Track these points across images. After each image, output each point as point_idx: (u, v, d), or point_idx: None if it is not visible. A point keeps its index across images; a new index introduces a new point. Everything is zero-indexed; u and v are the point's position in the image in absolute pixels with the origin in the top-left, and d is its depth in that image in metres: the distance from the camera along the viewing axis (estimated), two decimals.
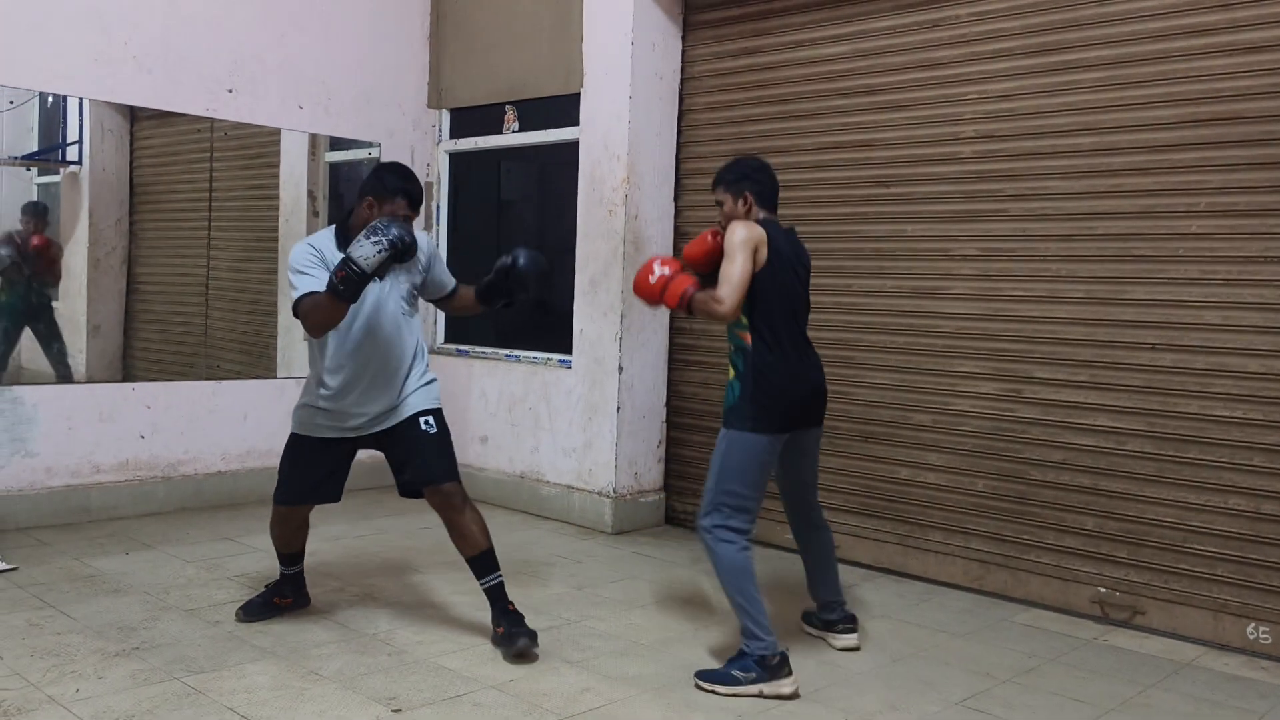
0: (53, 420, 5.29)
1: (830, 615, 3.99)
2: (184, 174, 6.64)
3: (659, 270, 3.64)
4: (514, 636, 3.67)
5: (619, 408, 5.67)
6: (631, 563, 5.10)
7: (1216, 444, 4.13)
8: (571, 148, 5.99)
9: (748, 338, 3.56)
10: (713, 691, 3.42)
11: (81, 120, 5.97)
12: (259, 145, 6.67)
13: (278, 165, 6.76)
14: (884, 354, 5.05)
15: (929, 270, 4.90)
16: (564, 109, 6.08)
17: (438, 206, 6.86)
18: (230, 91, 5.94)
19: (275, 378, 6.30)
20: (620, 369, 5.67)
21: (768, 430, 3.54)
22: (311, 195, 6.72)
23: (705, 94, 5.79)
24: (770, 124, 5.47)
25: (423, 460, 3.75)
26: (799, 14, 5.34)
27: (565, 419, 5.95)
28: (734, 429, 3.55)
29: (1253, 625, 4.06)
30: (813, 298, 5.61)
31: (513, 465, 6.26)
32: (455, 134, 6.84)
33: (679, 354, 5.91)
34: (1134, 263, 4.33)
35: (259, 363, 6.56)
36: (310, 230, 6.77)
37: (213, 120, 6.01)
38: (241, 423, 5.97)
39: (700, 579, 4.82)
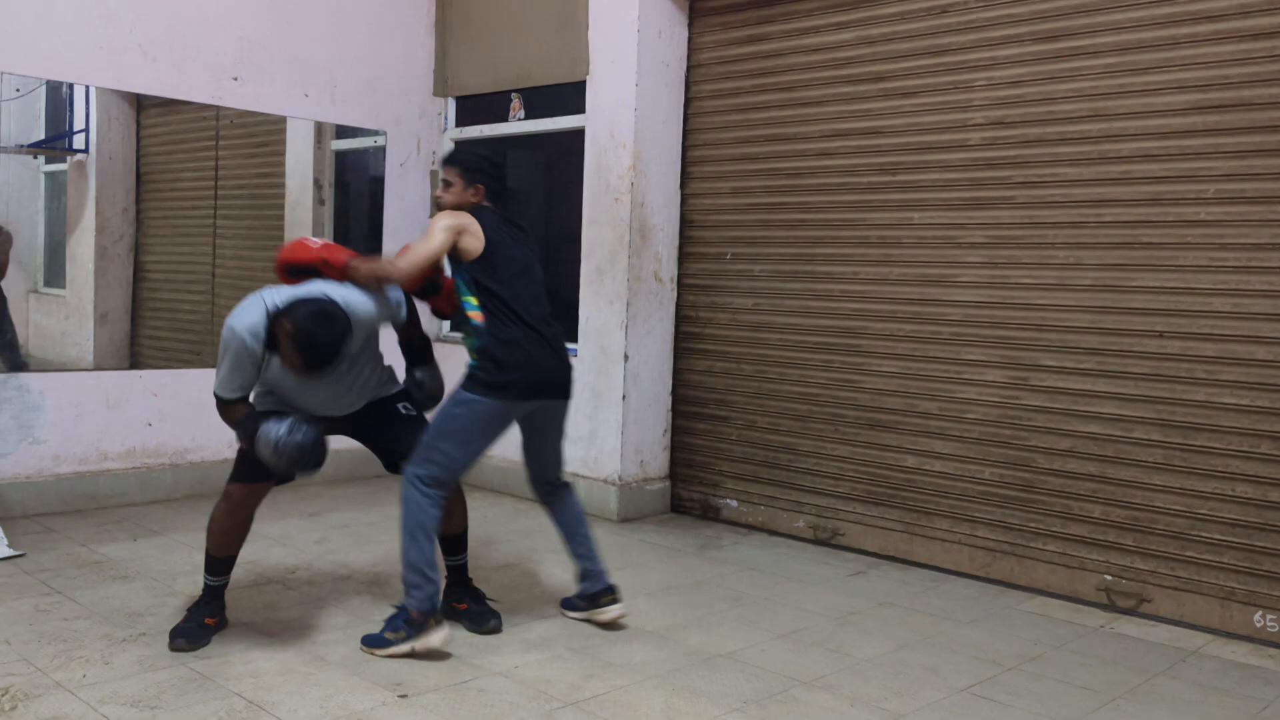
0: (60, 408, 5.31)
1: (592, 587, 3.98)
2: (190, 162, 6.64)
3: (318, 241, 3.72)
4: (484, 615, 3.86)
5: (624, 396, 5.66)
6: (637, 550, 5.10)
7: (1224, 431, 4.12)
8: (577, 135, 5.97)
9: (479, 317, 3.66)
10: (371, 654, 3.53)
11: (88, 108, 5.98)
12: (265, 133, 6.67)
13: (283, 153, 6.76)
14: (890, 342, 5.04)
15: (936, 258, 4.89)
16: (570, 97, 6.07)
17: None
18: (236, 79, 5.93)
19: None
20: (626, 357, 5.66)
21: (498, 397, 3.64)
22: (317, 183, 6.72)
23: (711, 81, 5.77)
24: (776, 111, 5.45)
25: (408, 435, 3.77)
26: (806, 0, 5.32)
27: (570, 407, 5.93)
28: (461, 388, 3.68)
29: (1260, 613, 4.05)
30: (819, 286, 5.61)
31: (519, 453, 6.25)
32: (461, 122, 6.83)
33: (685, 342, 5.90)
34: (1142, 250, 4.31)
35: None
36: (315, 220, 6.77)
37: (218, 108, 6.01)
38: None
39: (704, 565, 4.83)
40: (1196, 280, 4.18)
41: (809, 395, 5.35)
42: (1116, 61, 4.35)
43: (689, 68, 5.85)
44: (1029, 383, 4.60)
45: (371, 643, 3.58)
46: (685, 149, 5.87)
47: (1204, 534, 4.17)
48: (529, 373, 3.67)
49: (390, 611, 3.72)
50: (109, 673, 3.30)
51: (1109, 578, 4.40)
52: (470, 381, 3.66)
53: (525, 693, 3.30)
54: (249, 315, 3.37)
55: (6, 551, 4.47)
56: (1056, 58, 4.50)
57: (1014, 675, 3.62)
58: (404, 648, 3.51)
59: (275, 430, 3.31)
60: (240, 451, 3.59)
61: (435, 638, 3.51)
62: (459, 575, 3.96)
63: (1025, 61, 4.59)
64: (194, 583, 4.24)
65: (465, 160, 3.83)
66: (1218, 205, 4.13)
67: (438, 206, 3.86)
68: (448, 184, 3.81)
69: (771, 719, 3.18)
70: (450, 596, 3.91)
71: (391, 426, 3.80)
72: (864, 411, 5.14)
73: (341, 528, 5.23)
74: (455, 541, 3.94)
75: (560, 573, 4.63)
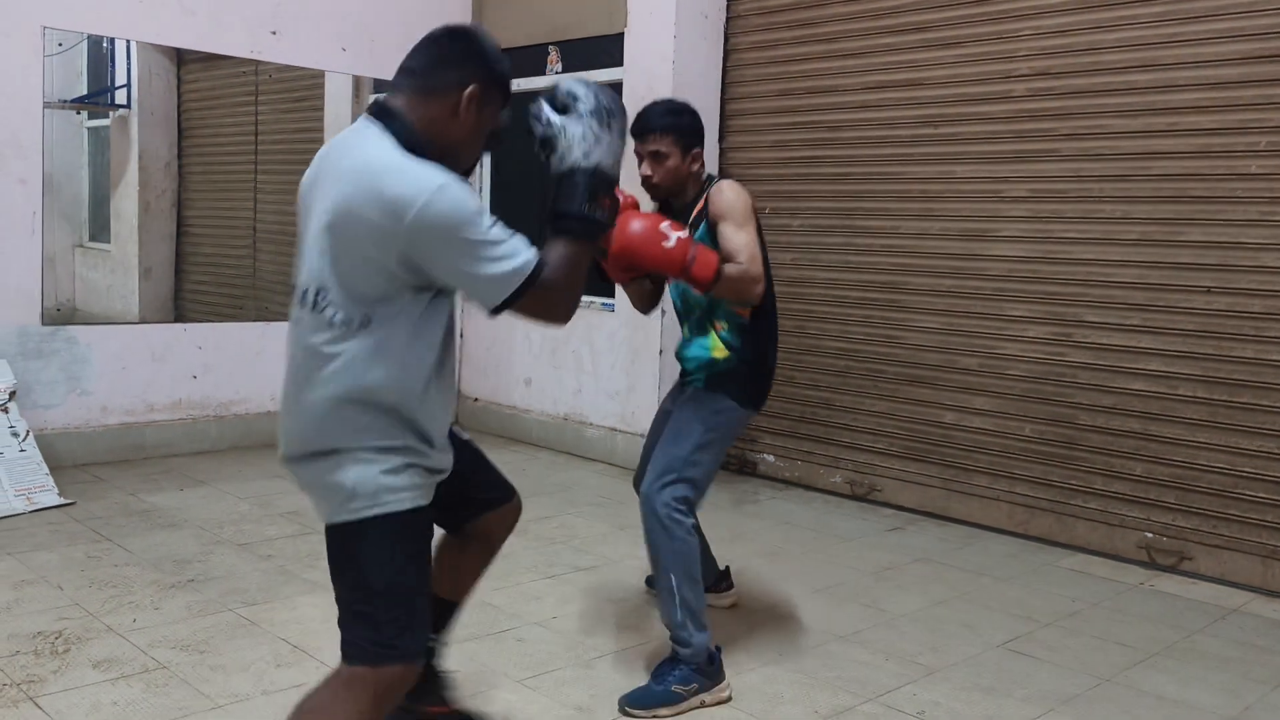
0: (107, 360, 5.40)
1: (708, 575, 3.51)
2: (230, 117, 6.68)
3: (672, 233, 2.72)
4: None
5: (661, 351, 5.67)
6: None
7: (1271, 388, 4.05)
8: (615, 89, 5.93)
9: (746, 314, 3.07)
10: (652, 716, 2.88)
11: (130, 63, 6.01)
12: (303, 88, 6.68)
13: (322, 108, 6.78)
14: (931, 297, 4.99)
15: (978, 212, 4.82)
16: (607, 50, 6.01)
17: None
18: (274, 33, 5.93)
19: None
20: (663, 312, 5.66)
21: (753, 406, 3.14)
22: None
23: (750, 33, 5.69)
24: (816, 63, 5.38)
25: (490, 471, 2.56)
26: None
27: (608, 362, 5.96)
28: (720, 391, 3.06)
29: None
30: (859, 240, 5.53)
31: (556, 407, 6.30)
32: None
33: None
34: (1190, 204, 4.23)
35: None
36: None
37: (257, 63, 6.02)
38: None
39: (740, 520, 4.85)
40: (1245, 235, 4.09)
41: (848, 350, 5.32)
42: (1166, 10, 4.24)
43: (728, 19, 5.77)
44: (1072, 339, 4.55)
45: (655, 700, 2.89)
46: (724, 102, 5.81)
47: (1247, 492, 4.12)
48: (772, 381, 3.19)
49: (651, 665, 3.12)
50: (158, 617, 3.38)
51: (1150, 535, 4.37)
52: (731, 385, 3.06)
53: (562, 642, 3.34)
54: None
55: (57, 500, 4.58)
56: (1104, 6, 4.39)
57: (1050, 631, 3.62)
58: (696, 701, 2.92)
59: (598, 126, 1.99)
60: (397, 598, 1.98)
61: (726, 689, 3.00)
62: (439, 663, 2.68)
63: (1072, 10, 4.48)
64: (240, 531, 4.34)
65: (676, 123, 3.00)
66: (1269, 158, 4.03)
67: (650, 188, 3.07)
68: (659, 157, 3.00)
69: (807, 672, 3.21)
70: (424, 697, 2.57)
71: (477, 459, 2.52)
72: (903, 367, 5.11)
73: None
74: (455, 610, 2.66)
75: (598, 524, 4.66)
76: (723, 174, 5.83)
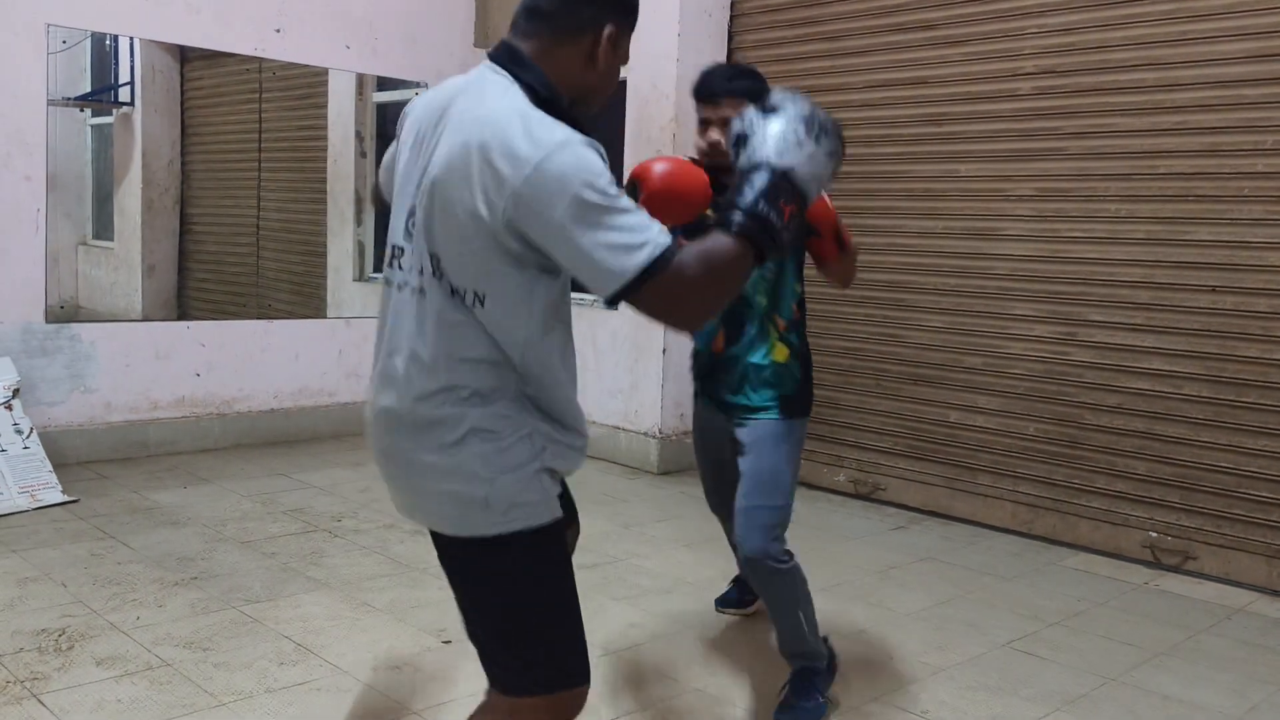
0: (110, 357, 5.40)
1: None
2: (233, 115, 6.67)
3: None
4: None
5: (665, 349, 5.66)
6: (677, 502, 5.13)
7: (1277, 388, 4.04)
8: (619, 87, 5.92)
9: (798, 314, 2.92)
10: None
11: (133, 61, 6.01)
12: (307, 85, 6.68)
13: (325, 105, 6.78)
14: (936, 296, 4.99)
15: (983, 210, 4.81)
16: None
17: None
18: (278, 31, 5.93)
19: (325, 318, 6.36)
20: None
21: (808, 418, 2.99)
22: (359, 136, 6.73)
23: (754, 31, 5.68)
24: (820, 61, 5.37)
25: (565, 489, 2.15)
26: None
27: (611, 360, 5.96)
28: (797, 417, 2.90)
29: None
30: (863, 239, 5.51)
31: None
32: None
33: None
34: (1197, 202, 4.22)
35: (309, 303, 6.63)
36: (358, 172, 6.78)
37: (261, 60, 6.02)
38: (293, 362, 6.05)
39: None
40: (1252, 234, 4.08)
41: (852, 349, 5.31)
42: (1173, 8, 4.23)
43: (732, 17, 5.76)
44: (1077, 338, 4.54)
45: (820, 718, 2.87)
46: None
47: (1252, 491, 4.11)
48: None
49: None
50: (162, 615, 3.38)
51: (1154, 534, 4.36)
52: (799, 401, 2.88)
53: None
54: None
55: (61, 497, 4.58)
56: (1111, 4, 4.38)
57: (1056, 630, 3.61)
58: (833, 694, 2.97)
59: (809, 138, 1.76)
60: (549, 626, 1.84)
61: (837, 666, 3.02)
62: None
63: (1079, 8, 4.47)
64: (243, 529, 4.33)
65: (756, 88, 2.67)
66: (1276, 157, 4.02)
67: (721, 154, 2.65)
68: (726, 123, 2.65)
69: None
70: None
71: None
72: (907, 366, 5.10)
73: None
74: None
75: (601, 522, 4.66)
76: None
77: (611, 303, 1.63)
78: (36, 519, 4.34)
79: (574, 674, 1.83)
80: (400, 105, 7.93)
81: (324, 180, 6.79)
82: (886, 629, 3.56)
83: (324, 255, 6.78)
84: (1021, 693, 3.11)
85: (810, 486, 5.47)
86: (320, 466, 5.41)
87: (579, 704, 1.84)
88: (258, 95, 6.48)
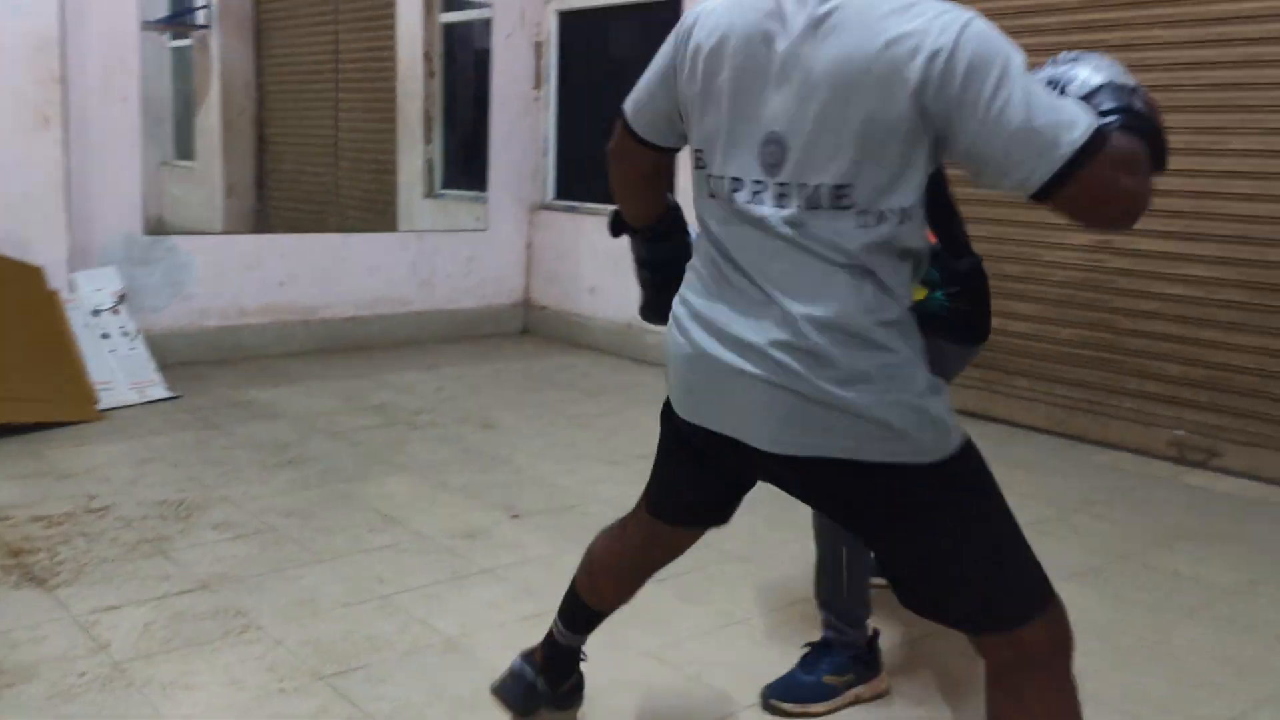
0: (205, 267, 5.81)
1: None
2: (307, 36, 6.96)
3: None
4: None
5: None
6: None
7: None
8: (678, 4, 6.10)
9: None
10: (804, 715, 2.42)
11: None
12: (377, 6, 6.94)
13: (394, 26, 7.03)
14: (975, 206, 5.16)
15: None
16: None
17: (548, 67, 7.06)
18: None
19: (397, 231, 6.72)
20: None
21: None
22: (427, 56, 6.99)
23: None
24: None
25: None
26: None
27: None
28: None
29: None
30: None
31: (620, 314, 6.61)
32: None
33: None
34: (1234, 112, 4.34)
35: (382, 218, 6.99)
36: (426, 91, 7.05)
37: None
38: (369, 274, 6.42)
39: None
40: None
41: None
42: None
43: None
44: (1113, 245, 4.71)
45: (806, 694, 2.42)
46: None
47: (1278, 390, 4.30)
48: None
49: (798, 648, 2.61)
50: (266, 490, 3.81)
51: (1181, 433, 4.57)
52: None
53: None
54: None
55: (166, 393, 5.03)
56: None
57: (1077, 515, 3.88)
58: (851, 695, 2.46)
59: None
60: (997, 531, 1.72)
61: (885, 680, 2.54)
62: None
63: None
64: (331, 422, 4.75)
65: None
66: None
67: None
68: None
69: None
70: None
71: None
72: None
73: (456, 379, 5.69)
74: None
75: (655, 422, 4.98)
76: None
77: (1041, 196, 1.51)
78: (146, 411, 4.80)
79: (1046, 579, 1.64)
80: (467, 25, 8.10)
81: (394, 100, 7.08)
82: None
83: (394, 173, 7.11)
84: None
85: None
86: (397, 369, 5.82)
87: (1066, 614, 1.65)
88: (334, 16, 6.76)
